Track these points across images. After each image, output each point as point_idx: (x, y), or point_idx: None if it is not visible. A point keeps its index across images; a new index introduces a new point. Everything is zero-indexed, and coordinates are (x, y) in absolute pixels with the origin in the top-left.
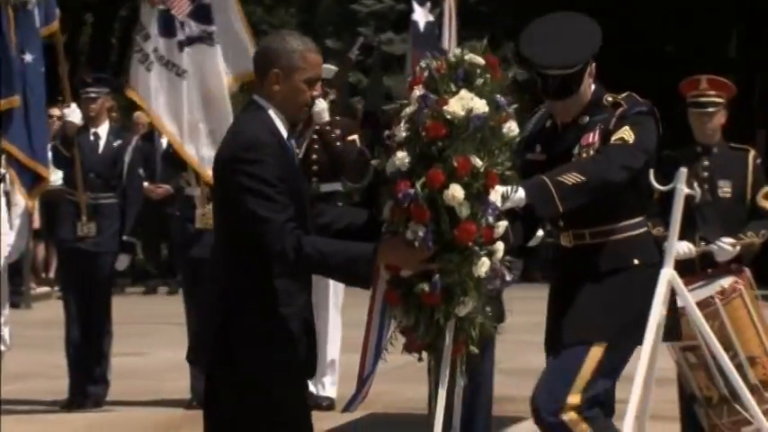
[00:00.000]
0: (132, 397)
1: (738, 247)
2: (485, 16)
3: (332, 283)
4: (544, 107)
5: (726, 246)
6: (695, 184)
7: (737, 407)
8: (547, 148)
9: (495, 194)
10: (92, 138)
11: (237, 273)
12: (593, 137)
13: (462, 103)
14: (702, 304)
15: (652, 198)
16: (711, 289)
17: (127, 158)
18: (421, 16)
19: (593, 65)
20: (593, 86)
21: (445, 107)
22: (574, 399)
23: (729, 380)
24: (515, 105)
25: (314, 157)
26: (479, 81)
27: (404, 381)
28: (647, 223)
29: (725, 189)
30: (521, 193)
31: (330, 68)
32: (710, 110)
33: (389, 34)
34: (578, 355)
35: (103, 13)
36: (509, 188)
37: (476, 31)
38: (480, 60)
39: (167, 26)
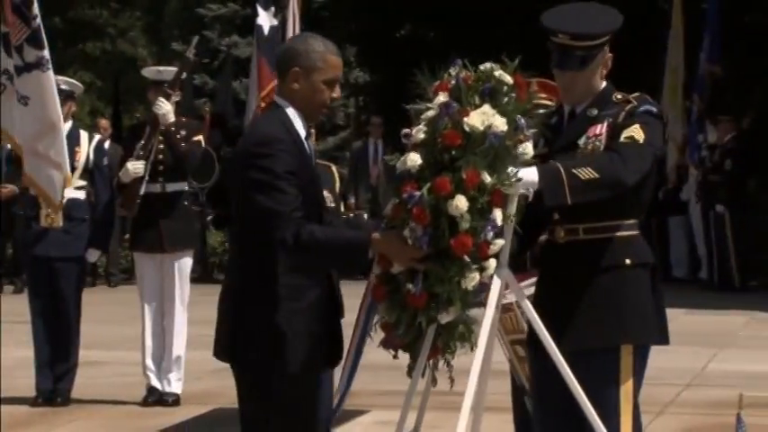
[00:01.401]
0: None
1: None
2: (327, 21)
3: (178, 278)
4: (548, 109)
5: None
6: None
7: None
8: (550, 141)
9: (498, 212)
10: None
11: (248, 268)
12: (600, 128)
13: (483, 118)
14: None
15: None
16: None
17: None
18: (265, 20)
19: (610, 57)
20: (604, 82)
21: (465, 118)
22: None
23: (559, 371)
24: (534, 130)
25: (160, 157)
26: (504, 99)
27: None
28: (640, 227)
29: None
30: (534, 176)
31: (172, 71)
32: (540, 112)
33: (235, 38)
34: (611, 371)
35: None
36: (517, 170)
37: (319, 34)
38: (509, 79)
39: (6, 48)
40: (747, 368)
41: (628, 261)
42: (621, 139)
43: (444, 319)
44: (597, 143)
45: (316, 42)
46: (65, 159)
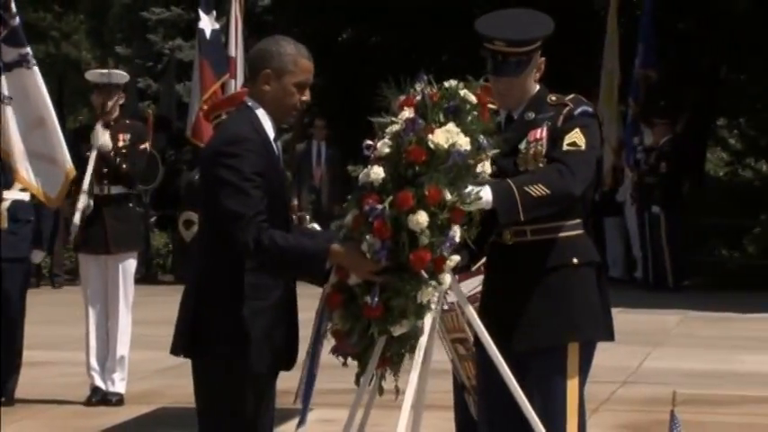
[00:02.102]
0: None
1: None
2: (270, 25)
3: (122, 279)
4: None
5: None
6: None
7: None
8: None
9: (456, 229)
10: None
11: (212, 265)
12: (540, 133)
13: (447, 136)
14: (472, 298)
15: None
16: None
17: None
18: (207, 24)
19: (543, 60)
20: (538, 85)
21: (430, 135)
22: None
23: (497, 369)
24: (496, 150)
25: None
26: (468, 118)
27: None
28: (584, 226)
29: None
30: (488, 195)
31: (122, 74)
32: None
33: (178, 41)
34: (558, 368)
35: None
36: (475, 189)
37: (261, 38)
38: (473, 99)
39: None
40: (681, 366)
41: (575, 260)
42: (564, 146)
43: (398, 331)
44: (539, 147)
45: (288, 45)
46: (62, 152)
